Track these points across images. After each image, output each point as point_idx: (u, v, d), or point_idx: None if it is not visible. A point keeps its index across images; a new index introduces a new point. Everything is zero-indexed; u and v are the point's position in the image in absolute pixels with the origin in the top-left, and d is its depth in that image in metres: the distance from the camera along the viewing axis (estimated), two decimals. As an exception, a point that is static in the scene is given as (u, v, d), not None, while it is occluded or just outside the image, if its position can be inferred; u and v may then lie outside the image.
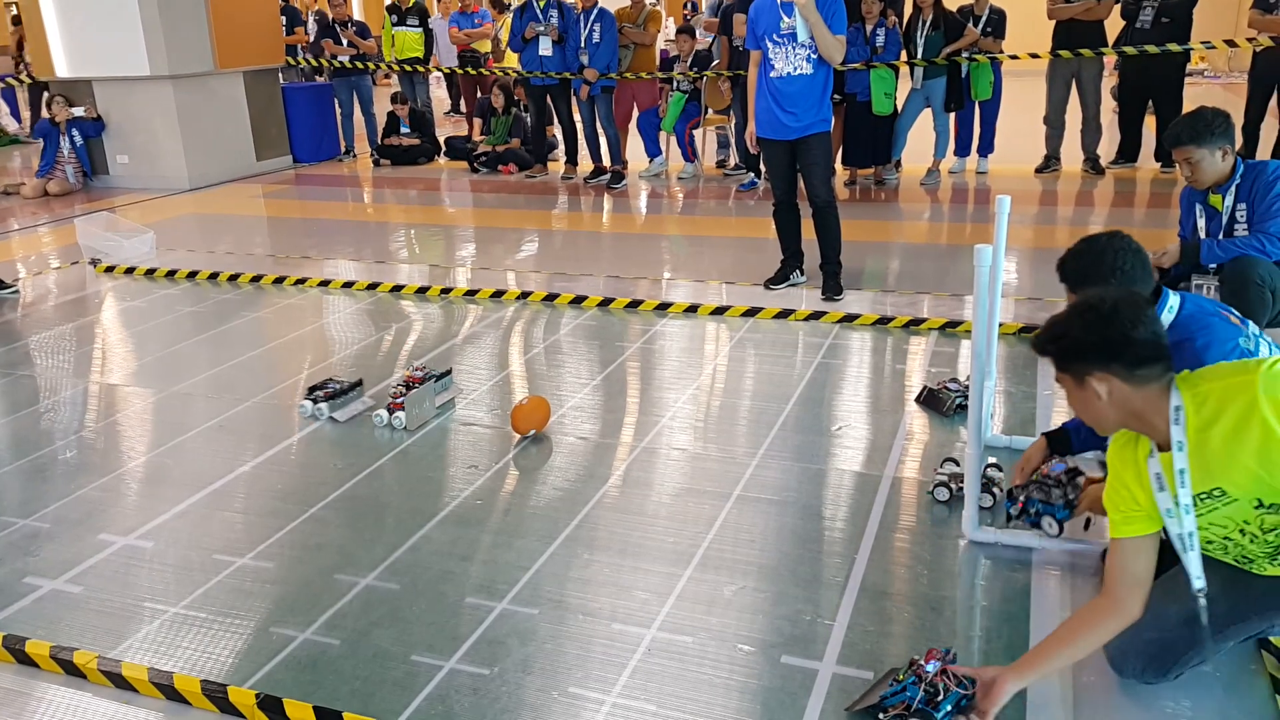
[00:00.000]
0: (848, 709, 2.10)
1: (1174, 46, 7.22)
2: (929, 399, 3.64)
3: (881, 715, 2.04)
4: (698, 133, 8.56)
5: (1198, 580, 1.89)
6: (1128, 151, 8.00)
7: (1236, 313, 2.49)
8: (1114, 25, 7.52)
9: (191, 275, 5.75)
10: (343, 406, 3.68)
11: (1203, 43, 7.50)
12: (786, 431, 3.46)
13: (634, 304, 4.94)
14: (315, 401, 3.67)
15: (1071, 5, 7.48)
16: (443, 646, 2.33)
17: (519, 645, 2.33)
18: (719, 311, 4.78)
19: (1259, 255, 3.36)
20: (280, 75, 9.81)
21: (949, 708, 1.98)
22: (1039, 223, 6.57)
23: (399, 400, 3.56)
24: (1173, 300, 2.43)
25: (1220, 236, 3.43)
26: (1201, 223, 3.46)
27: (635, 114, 8.56)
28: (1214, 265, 3.46)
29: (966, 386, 3.58)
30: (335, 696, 2.18)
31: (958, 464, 3.01)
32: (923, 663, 2.07)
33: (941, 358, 4.13)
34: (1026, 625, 2.34)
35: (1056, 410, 3.53)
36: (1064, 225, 6.55)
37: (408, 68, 10.00)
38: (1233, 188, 3.38)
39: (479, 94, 10.28)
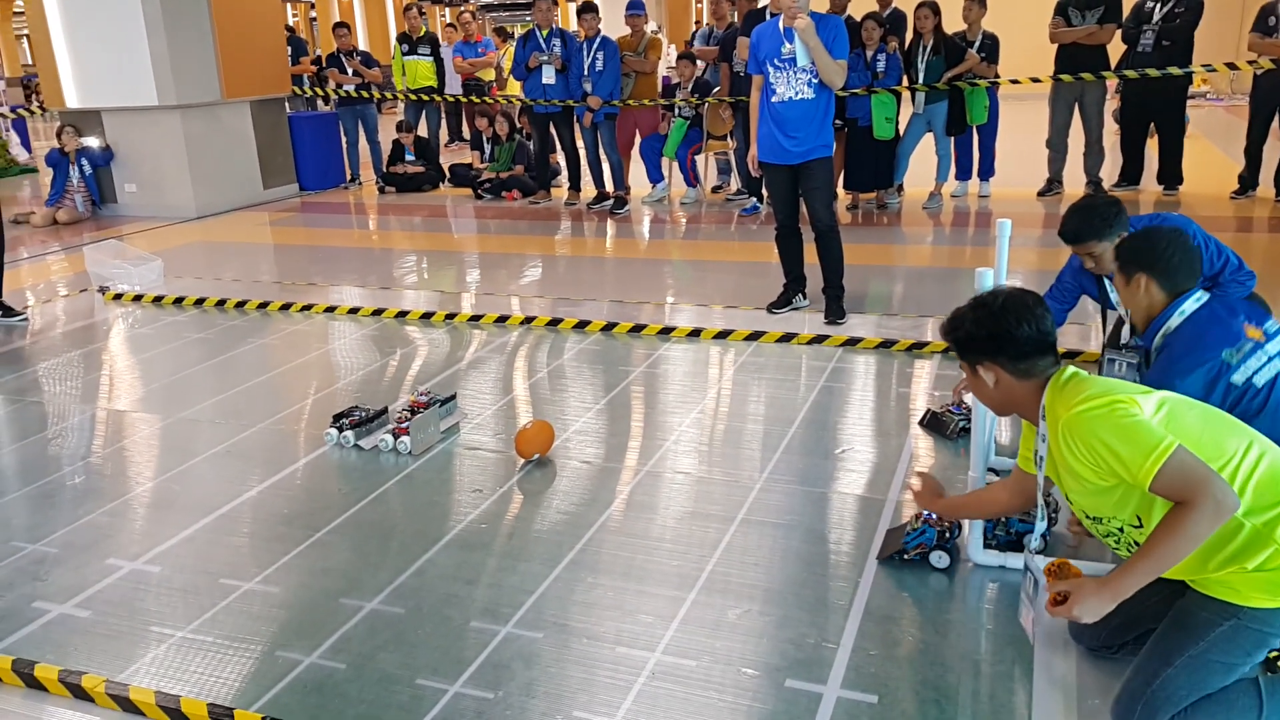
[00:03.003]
0: (879, 559, 2.71)
1: (1175, 70, 7.27)
2: (933, 422, 3.65)
3: (905, 556, 2.69)
4: (699, 158, 8.62)
5: (1034, 541, 2.34)
6: (1130, 174, 8.03)
7: (1260, 323, 2.51)
8: (1116, 49, 7.58)
9: (199, 302, 5.79)
10: (368, 435, 3.69)
11: (1204, 65, 7.55)
12: (791, 455, 3.47)
13: (637, 328, 4.96)
14: (341, 430, 3.67)
15: (1073, 30, 7.54)
16: (448, 670, 2.34)
17: (523, 669, 2.33)
18: (722, 335, 4.80)
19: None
20: (286, 104, 9.92)
21: (954, 544, 2.67)
22: (1042, 245, 6.59)
23: (404, 425, 3.58)
24: (1188, 305, 2.51)
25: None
26: (1115, 297, 3.40)
27: (638, 140, 8.63)
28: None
29: (970, 409, 3.58)
30: (340, 721, 2.18)
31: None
32: (928, 513, 2.68)
33: (945, 381, 4.13)
34: (1029, 646, 2.34)
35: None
36: (1066, 248, 6.56)
37: (425, 97, 10.10)
38: None
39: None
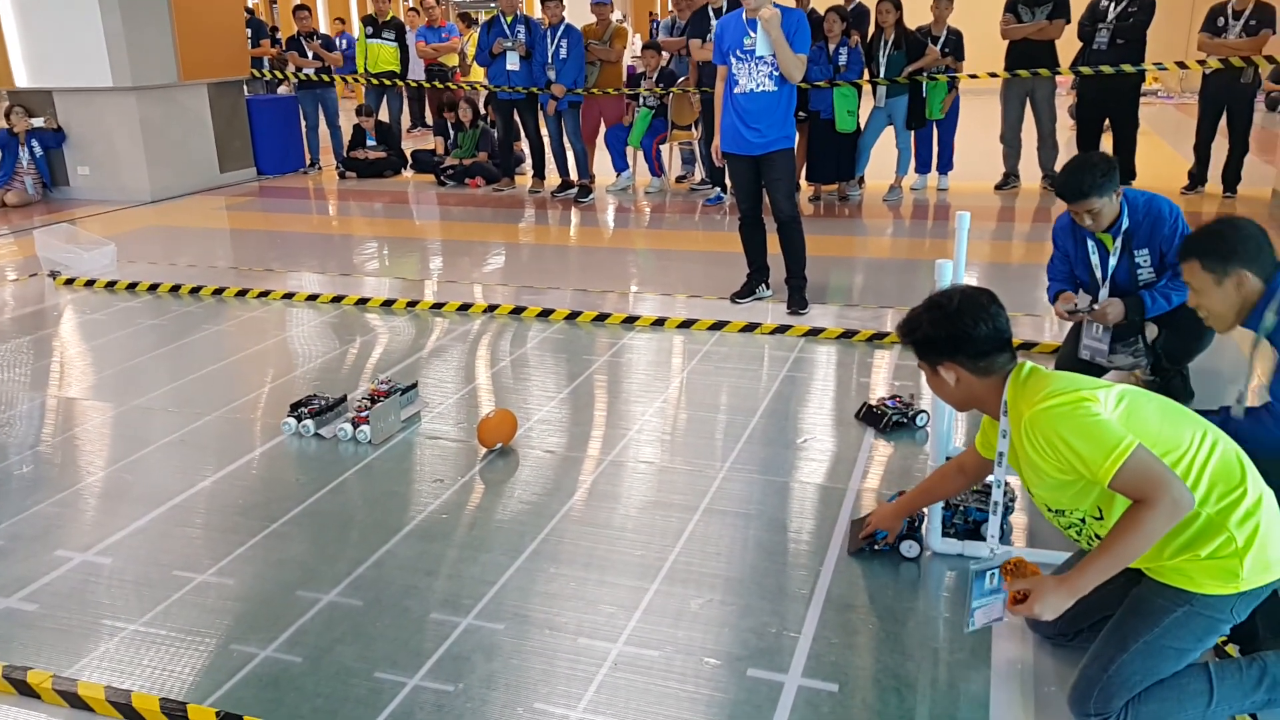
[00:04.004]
0: (850, 552, 2.71)
1: (1128, 67, 7.40)
2: (868, 416, 3.65)
3: (875, 547, 2.69)
4: (664, 148, 8.61)
5: (992, 539, 2.33)
6: (1085, 169, 8.14)
7: None
8: (1068, 45, 7.69)
9: (153, 288, 5.67)
10: (328, 424, 3.63)
11: (1155, 64, 7.69)
12: (753, 445, 3.48)
13: (601, 317, 4.94)
14: (300, 419, 3.61)
15: (1023, 26, 7.64)
16: (406, 663, 2.32)
17: (484, 661, 2.32)
18: (686, 325, 4.80)
19: None
20: (245, 87, 9.73)
21: (921, 532, 2.73)
22: (997, 238, 6.69)
23: (363, 414, 3.54)
24: None
25: (1110, 274, 3.43)
26: (1095, 259, 3.47)
27: (602, 129, 8.59)
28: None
29: (907, 404, 3.62)
30: (297, 714, 2.15)
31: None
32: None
33: (904, 371, 4.18)
34: (989, 633, 2.37)
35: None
36: (1021, 241, 6.67)
37: (386, 81, 9.96)
38: (1122, 231, 3.36)
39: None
